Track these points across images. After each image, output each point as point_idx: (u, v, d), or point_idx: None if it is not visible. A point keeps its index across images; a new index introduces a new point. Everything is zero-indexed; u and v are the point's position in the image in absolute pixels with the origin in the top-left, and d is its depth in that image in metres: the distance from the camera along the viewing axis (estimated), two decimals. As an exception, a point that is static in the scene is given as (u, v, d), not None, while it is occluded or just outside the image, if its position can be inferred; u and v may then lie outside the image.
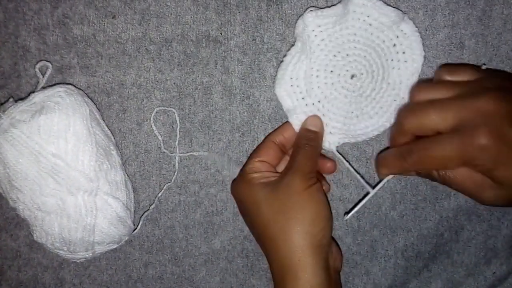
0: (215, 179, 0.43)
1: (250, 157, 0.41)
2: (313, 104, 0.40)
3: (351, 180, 0.44)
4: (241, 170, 0.41)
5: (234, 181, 0.42)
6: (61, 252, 0.39)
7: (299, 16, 0.39)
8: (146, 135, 0.42)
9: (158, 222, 0.44)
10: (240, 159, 0.43)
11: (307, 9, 0.40)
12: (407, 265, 0.46)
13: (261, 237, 0.39)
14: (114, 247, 0.40)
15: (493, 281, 0.47)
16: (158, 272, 0.44)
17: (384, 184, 0.39)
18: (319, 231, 0.37)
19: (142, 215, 0.43)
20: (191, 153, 0.42)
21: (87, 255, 0.39)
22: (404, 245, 0.45)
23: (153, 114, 0.42)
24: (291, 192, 0.37)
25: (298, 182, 0.37)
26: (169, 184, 0.43)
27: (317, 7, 0.40)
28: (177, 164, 0.43)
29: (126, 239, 0.41)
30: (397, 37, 0.38)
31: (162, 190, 0.43)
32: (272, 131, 0.42)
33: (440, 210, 0.45)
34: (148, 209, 0.43)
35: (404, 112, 0.36)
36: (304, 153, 0.38)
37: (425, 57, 0.38)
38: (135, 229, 0.42)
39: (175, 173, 0.43)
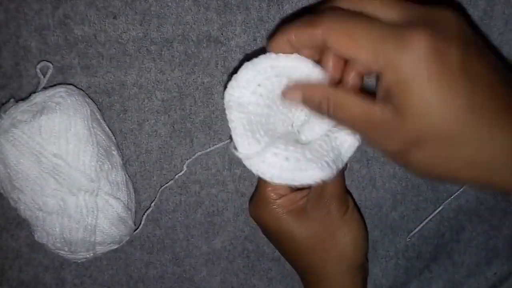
0: (216, 179, 0.43)
1: None
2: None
3: (352, 180, 0.44)
4: (258, 187, 0.38)
5: (253, 202, 0.39)
6: (62, 252, 0.39)
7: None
8: (147, 135, 0.42)
9: (159, 222, 0.44)
10: (240, 159, 0.43)
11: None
12: (408, 266, 0.46)
13: (296, 263, 0.38)
14: (115, 247, 0.40)
15: (494, 282, 0.47)
16: (159, 272, 0.44)
17: None
18: (359, 257, 0.36)
19: (144, 214, 0.43)
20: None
21: (88, 255, 0.39)
22: (405, 246, 0.45)
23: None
24: (329, 222, 0.35)
25: (335, 211, 0.35)
26: (179, 174, 0.43)
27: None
28: (185, 166, 0.43)
29: (127, 239, 0.41)
30: None
31: (164, 186, 0.43)
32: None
33: (441, 211, 0.45)
34: (149, 207, 0.43)
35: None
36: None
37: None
38: (137, 228, 0.42)
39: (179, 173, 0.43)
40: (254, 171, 0.32)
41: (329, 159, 0.32)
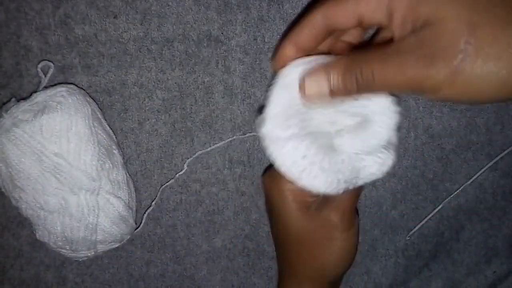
0: (217, 178, 0.43)
1: None
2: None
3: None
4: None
5: (268, 174, 0.38)
6: (63, 251, 0.39)
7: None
8: (147, 134, 0.42)
9: (159, 221, 0.44)
10: (241, 158, 0.43)
11: None
12: (408, 264, 0.46)
13: (280, 251, 0.38)
14: (116, 246, 0.41)
15: (493, 280, 0.47)
16: (160, 271, 0.45)
17: None
18: (335, 275, 0.37)
19: (144, 212, 0.43)
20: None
21: (89, 254, 0.40)
22: (405, 244, 0.45)
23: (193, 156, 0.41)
24: (324, 231, 0.35)
25: (335, 223, 0.35)
26: (179, 173, 0.43)
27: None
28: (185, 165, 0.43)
29: (128, 238, 0.41)
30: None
31: (165, 185, 0.43)
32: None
33: (440, 210, 0.45)
34: (150, 206, 0.43)
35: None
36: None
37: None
38: (138, 227, 0.42)
39: (180, 172, 0.43)
40: (268, 153, 0.31)
41: (343, 177, 0.32)
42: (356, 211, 0.38)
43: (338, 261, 0.36)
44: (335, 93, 0.29)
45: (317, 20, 0.29)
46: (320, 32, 0.30)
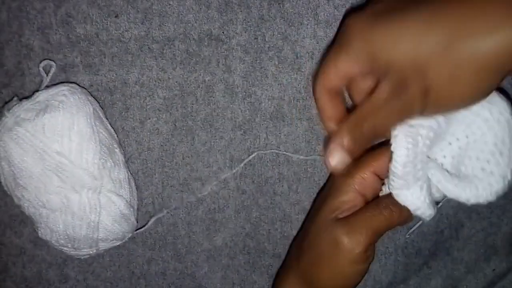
0: (217, 177, 0.44)
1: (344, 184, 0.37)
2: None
3: (352, 177, 0.45)
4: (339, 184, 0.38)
5: (328, 188, 0.40)
6: (65, 249, 0.39)
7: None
8: (148, 133, 0.42)
9: (160, 219, 0.44)
10: (241, 157, 0.43)
11: None
12: (407, 262, 0.46)
13: (299, 251, 0.40)
14: (118, 244, 0.41)
15: (492, 278, 0.47)
16: (161, 268, 0.45)
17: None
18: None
19: (154, 216, 0.43)
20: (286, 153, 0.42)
21: (91, 252, 0.40)
22: (404, 242, 0.46)
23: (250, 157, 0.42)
24: (339, 258, 0.35)
25: (354, 254, 0.34)
26: (202, 194, 0.43)
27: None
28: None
29: (129, 236, 0.41)
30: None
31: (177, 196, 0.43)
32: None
33: (440, 208, 0.45)
34: (162, 212, 0.43)
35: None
36: (382, 219, 0.34)
37: None
38: (142, 227, 0.42)
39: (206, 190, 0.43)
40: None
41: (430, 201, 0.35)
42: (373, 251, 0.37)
43: (345, 279, 0.36)
44: (352, 153, 0.32)
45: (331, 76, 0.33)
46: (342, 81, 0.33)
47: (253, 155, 0.43)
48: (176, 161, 0.43)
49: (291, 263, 0.42)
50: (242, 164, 0.43)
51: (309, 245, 0.38)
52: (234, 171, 0.43)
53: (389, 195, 0.35)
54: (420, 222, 0.44)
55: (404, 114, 0.30)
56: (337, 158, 0.32)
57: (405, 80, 0.28)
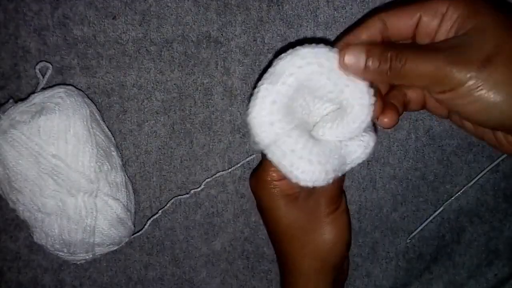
0: (216, 180, 0.43)
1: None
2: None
3: (352, 181, 0.44)
4: (263, 163, 0.38)
5: (254, 175, 0.39)
6: (61, 253, 0.39)
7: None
8: (146, 136, 0.42)
9: (158, 223, 0.43)
10: (240, 160, 0.43)
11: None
12: (409, 267, 0.46)
13: (276, 247, 0.39)
14: (114, 248, 0.40)
15: (494, 283, 0.47)
16: (159, 274, 0.44)
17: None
18: (335, 258, 0.37)
19: (150, 218, 0.43)
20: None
21: (87, 257, 0.39)
22: (406, 247, 0.45)
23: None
24: (315, 217, 0.36)
25: (323, 207, 0.36)
26: (195, 190, 0.43)
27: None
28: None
29: (126, 240, 0.41)
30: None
31: (175, 197, 0.43)
32: None
33: (441, 212, 0.45)
34: (157, 213, 0.43)
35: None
36: None
37: None
38: (139, 231, 0.42)
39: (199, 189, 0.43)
40: (261, 145, 0.32)
41: (331, 167, 0.32)
42: (342, 192, 0.38)
43: (332, 242, 0.36)
44: (367, 70, 0.30)
45: (375, 25, 0.32)
46: (374, 37, 0.32)
47: (252, 156, 0.42)
48: (174, 165, 0.43)
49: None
50: (238, 165, 0.43)
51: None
52: (229, 170, 0.43)
53: None
54: (422, 226, 0.44)
55: (435, 77, 0.28)
56: (353, 60, 0.30)
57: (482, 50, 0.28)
